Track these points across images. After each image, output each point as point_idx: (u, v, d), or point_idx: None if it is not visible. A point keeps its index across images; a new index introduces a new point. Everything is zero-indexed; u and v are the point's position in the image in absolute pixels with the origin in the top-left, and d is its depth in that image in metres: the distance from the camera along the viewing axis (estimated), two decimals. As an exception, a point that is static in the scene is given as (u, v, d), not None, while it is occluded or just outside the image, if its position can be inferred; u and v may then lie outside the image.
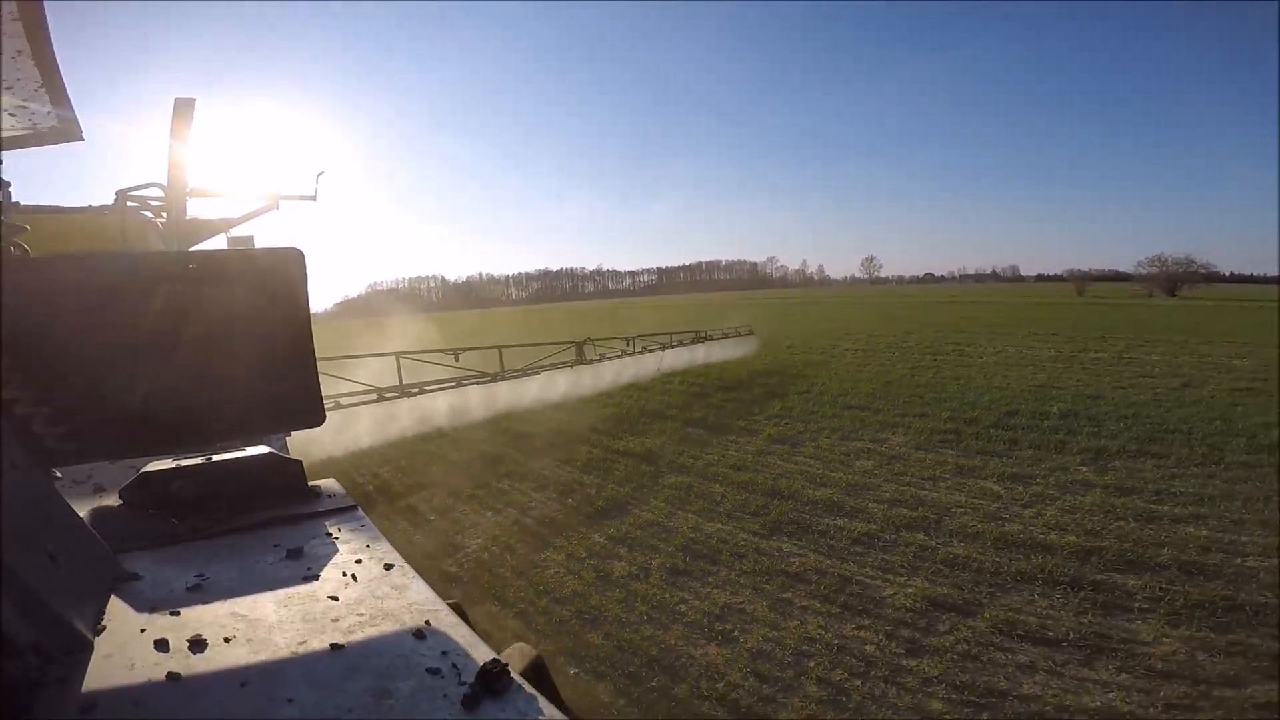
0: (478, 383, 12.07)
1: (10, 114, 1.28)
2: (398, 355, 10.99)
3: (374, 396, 10.34)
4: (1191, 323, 28.64)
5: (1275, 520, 6.92)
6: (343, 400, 9.79)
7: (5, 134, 1.25)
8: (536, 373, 13.38)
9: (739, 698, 4.68)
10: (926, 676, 4.72)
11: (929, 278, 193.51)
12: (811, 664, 4.98)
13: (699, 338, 18.83)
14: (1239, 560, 6.20)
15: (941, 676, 4.71)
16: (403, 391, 10.78)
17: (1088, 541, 6.72)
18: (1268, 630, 5.07)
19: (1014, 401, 12.50)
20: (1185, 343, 19.95)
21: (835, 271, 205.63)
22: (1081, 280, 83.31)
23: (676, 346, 17.81)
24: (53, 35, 1.18)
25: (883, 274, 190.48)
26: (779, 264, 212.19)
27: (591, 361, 14.63)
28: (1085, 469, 8.85)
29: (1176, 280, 68.29)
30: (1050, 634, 5.18)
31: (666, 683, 4.90)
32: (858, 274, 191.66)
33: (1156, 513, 7.42)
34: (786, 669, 4.93)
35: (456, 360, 11.66)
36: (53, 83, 1.29)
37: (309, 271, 1.08)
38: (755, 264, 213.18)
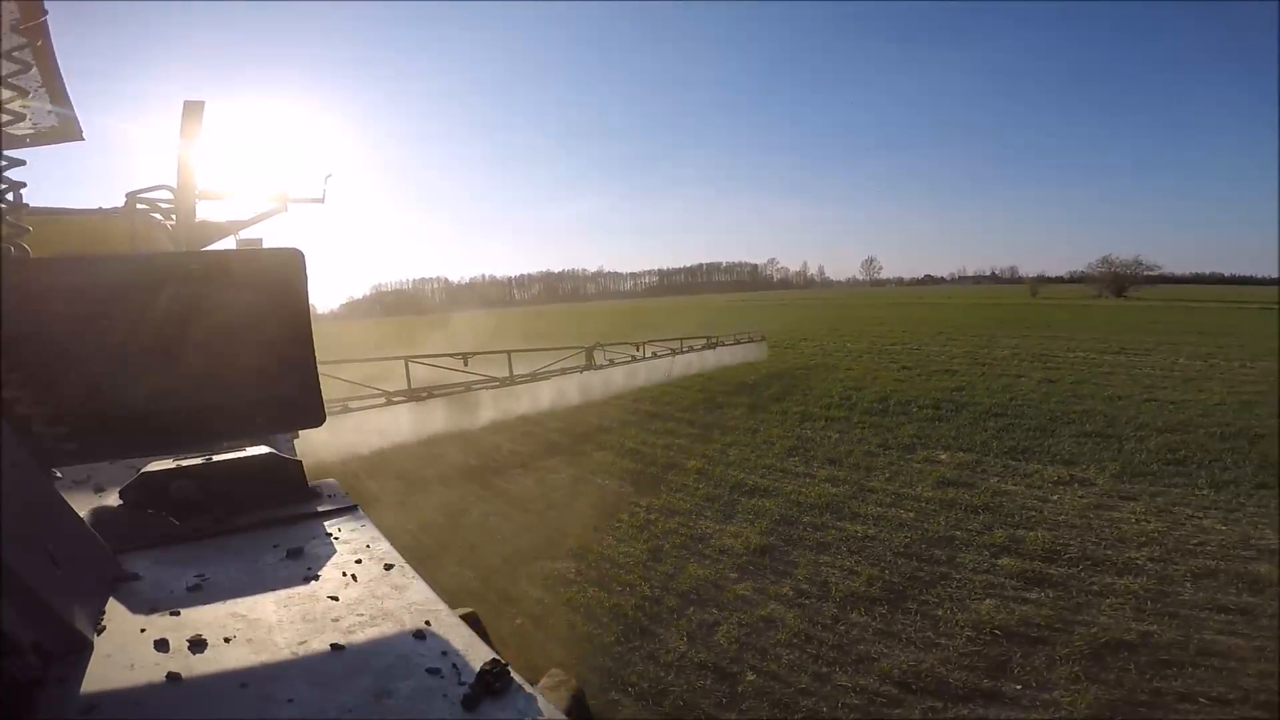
0: (487, 388, 12.06)
1: (10, 114, 1.28)
2: (406, 359, 10.96)
3: (383, 400, 10.35)
4: (1064, 319, 33.37)
5: (698, 435, 11.70)
6: (351, 404, 9.80)
7: (5, 134, 1.25)
8: (547, 378, 13.33)
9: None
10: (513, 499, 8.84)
11: (928, 279, 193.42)
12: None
13: (710, 344, 18.76)
14: (685, 460, 10.21)
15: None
16: (411, 395, 10.77)
17: (642, 448, 10.96)
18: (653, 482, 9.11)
19: (746, 377, 17.25)
20: (998, 338, 24.23)
21: (837, 273, 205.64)
22: (1036, 282, 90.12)
23: (687, 352, 17.75)
24: (53, 35, 1.19)
25: (883, 275, 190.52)
26: (779, 265, 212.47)
27: (601, 367, 14.66)
28: (690, 419, 13.15)
29: (1124, 281, 70.59)
30: (569, 483, 9.38)
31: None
32: (859, 275, 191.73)
33: (709, 436, 11.59)
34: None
35: (465, 365, 11.63)
36: (53, 82, 1.30)
37: (309, 271, 1.08)
38: (756, 265, 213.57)
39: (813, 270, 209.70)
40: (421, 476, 9.83)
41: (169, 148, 3.81)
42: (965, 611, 5.38)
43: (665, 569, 6.42)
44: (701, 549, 6.84)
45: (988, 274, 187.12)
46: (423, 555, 6.81)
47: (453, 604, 0.86)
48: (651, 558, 6.68)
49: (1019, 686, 4.44)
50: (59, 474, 1.03)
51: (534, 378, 12.94)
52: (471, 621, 0.85)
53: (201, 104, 3.74)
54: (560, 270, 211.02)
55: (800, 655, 4.95)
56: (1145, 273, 73.00)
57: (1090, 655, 4.73)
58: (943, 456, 9.71)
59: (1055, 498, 8.00)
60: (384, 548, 1.04)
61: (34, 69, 1.23)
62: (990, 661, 4.74)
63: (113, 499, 1.16)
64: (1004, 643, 4.95)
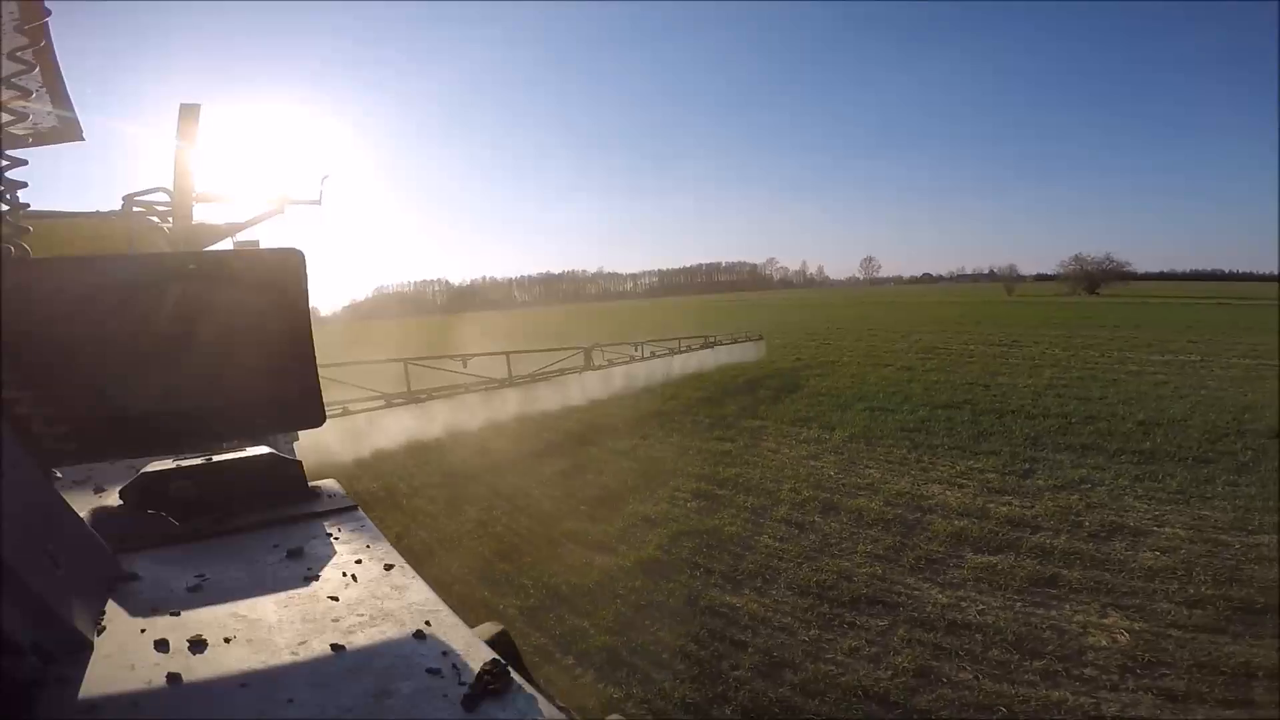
0: (486, 388, 12.09)
1: (10, 114, 1.28)
2: (406, 361, 10.98)
3: (382, 403, 10.38)
4: (1002, 316, 36.64)
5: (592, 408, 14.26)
6: (350, 406, 9.82)
7: (5, 134, 1.25)
8: (545, 379, 13.37)
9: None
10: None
11: (926, 278, 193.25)
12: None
13: (708, 343, 18.81)
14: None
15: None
16: (410, 397, 10.78)
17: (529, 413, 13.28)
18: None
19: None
20: (915, 334, 26.82)
21: (838, 272, 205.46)
22: (1010, 280, 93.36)
23: (685, 352, 17.80)
24: (53, 35, 1.19)
25: (883, 274, 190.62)
26: (779, 265, 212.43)
27: (599, 367, 14.73)
28: (594, 400, 14.95)
29: (1096, 279, 72.36)
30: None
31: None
32: (859, 275, 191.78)
33: (595, 408, 14.11)
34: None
35: (464, 366, 11.66)
36: (53, 83, 1.30)
37: (309, 272, 1.08)
38: (755, 265, 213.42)
39: (812, 270, 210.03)
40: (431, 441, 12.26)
41: (166, 149, 3.80)
42: (640, 509, 7.96)
43: (499, 477, 9.57)
44: (525, 471, 9.78)
45: (986, 272, 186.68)
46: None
47: (474, 608, 0.87)
48: (490, 473, 9.87)
49: (624, 547, 6.89)
50: (59, 474, 1.03)
51: (532, 379, 12.98)
52: (503, 639, 0.85)
53: (197, 106, 3.73)
54: (560, 271, 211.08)
55: (526, 518, 7.96)
56: (1118, 269, 75.21)
57: (674, 536, 7.08)
58: (743, 423, 12.09)
59: (786, 450, 10.19)
60: (384, 548, 1.04)
61: (35, 69, 1.24)
62: (622, 531, 7.31)
63: (113, 499, 1.16)
64: (640, 524, 7.47)
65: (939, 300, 64.22)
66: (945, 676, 4.63)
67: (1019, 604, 5.50)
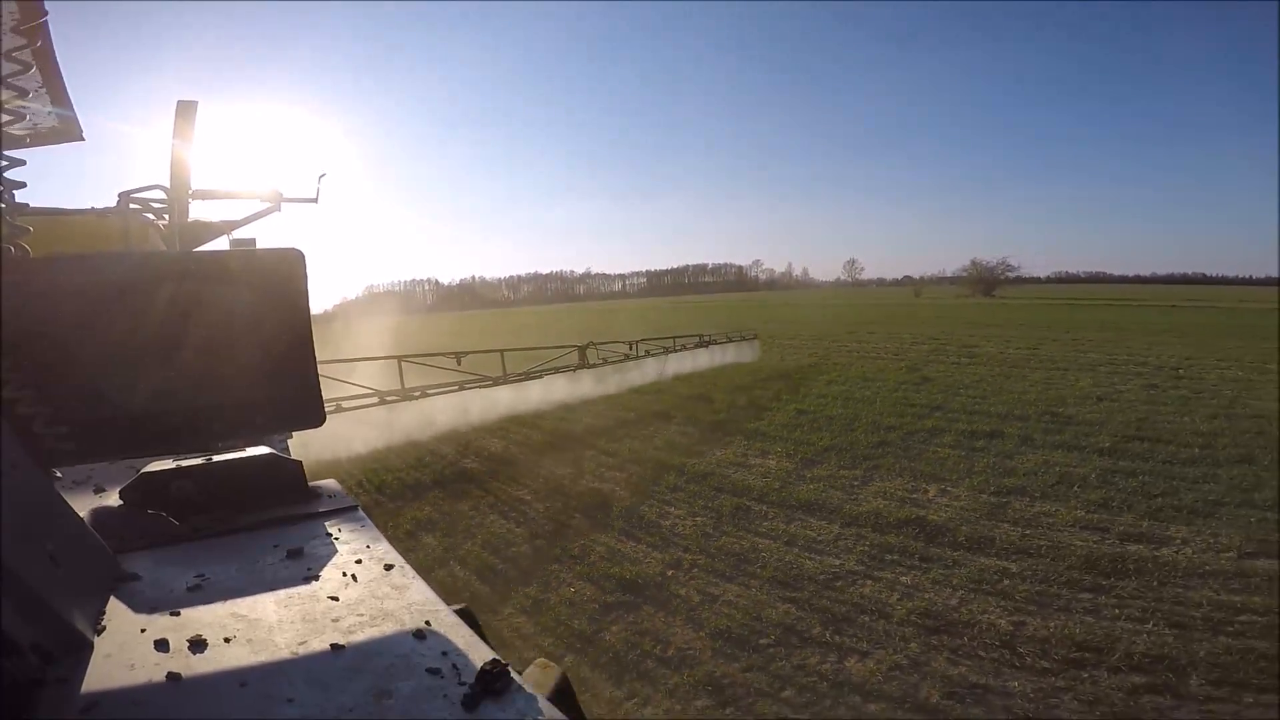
0: (480, 386, 12.08)
1: (10, 114, 1.27)
2: (400, 359, 10.96)
3: (375, 400, 10.34)
4: (883, 316, 40.76)
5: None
6: (344, 404, 9.77)
7: (5, 134, 1.24)
8: (539, 376, 13.40)
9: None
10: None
11: (907, 280, 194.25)
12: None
13: (703, 342, 18.88)
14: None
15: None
16: (405, 395, 10.76)
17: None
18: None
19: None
20: (806, 329, 32.22)
21: (824, 274, 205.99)
22: (920, 284, 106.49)
23: (680, 350, 17.86)
24: (53, 35, 1.18)
25: (866, 276, 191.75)
26: (764, 267, 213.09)
27: (594, 365, 14.75)
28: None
29: (990, 282, 78.10)
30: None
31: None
32: (844, 276, 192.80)
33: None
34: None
35: (459, 364, 11.65)
36: (53, 83, 1.29)
37: (309, 272, 1.08)
38: (741, 267, 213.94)
39: (797, 272, 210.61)
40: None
41: (163, 147, 3.78)
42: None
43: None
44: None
45: (965, 275, 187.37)
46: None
47: (449, 596, 0.88)
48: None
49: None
50: (59, 474, 1.02)
51: (527, 376, 13.02)
52: (466, 617, 0.85)
53: (194, 104, 3.72)
54: (549, 271, 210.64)
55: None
56: (1003, 273, 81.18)
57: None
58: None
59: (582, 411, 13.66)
60: (384, 548, 1.05)
61: (34, 69, 1.23)
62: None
63: (113, 499, 1.16)
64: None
65: (866, 304, 68.18)
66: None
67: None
